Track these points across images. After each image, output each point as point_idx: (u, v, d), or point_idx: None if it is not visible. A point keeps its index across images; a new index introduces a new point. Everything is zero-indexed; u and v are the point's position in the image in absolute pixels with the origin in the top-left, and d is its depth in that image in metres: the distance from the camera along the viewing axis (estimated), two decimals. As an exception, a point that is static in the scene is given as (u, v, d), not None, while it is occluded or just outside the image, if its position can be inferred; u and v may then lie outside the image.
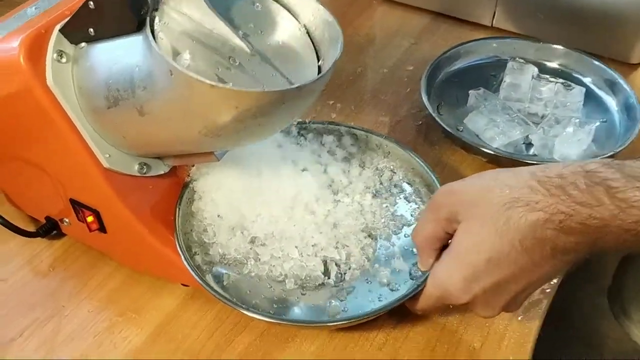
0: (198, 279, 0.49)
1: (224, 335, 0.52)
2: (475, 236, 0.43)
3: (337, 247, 0.53)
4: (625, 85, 0.71)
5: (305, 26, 0.47)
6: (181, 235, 0.52)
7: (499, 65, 0.75)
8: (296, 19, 0.47)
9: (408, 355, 0.50)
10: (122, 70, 0.43)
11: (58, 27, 0.47)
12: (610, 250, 0.41)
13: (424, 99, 0.68)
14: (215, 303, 0.52)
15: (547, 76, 0.73)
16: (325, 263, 0.52)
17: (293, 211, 0.54)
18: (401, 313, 0.51)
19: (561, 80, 0.72)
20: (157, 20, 0.42)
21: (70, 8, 0.48)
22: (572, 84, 0.72)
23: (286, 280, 0.51)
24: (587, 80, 0.75)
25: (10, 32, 0.48)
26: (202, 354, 0.50)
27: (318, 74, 0.45)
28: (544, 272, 0.43)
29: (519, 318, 0.53)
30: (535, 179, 0.42)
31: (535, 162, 0.52)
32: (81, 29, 0.45)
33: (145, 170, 0.51)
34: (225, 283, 0.51)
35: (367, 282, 0.52)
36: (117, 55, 0.44)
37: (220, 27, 0.44)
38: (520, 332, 0.52)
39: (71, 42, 0.47)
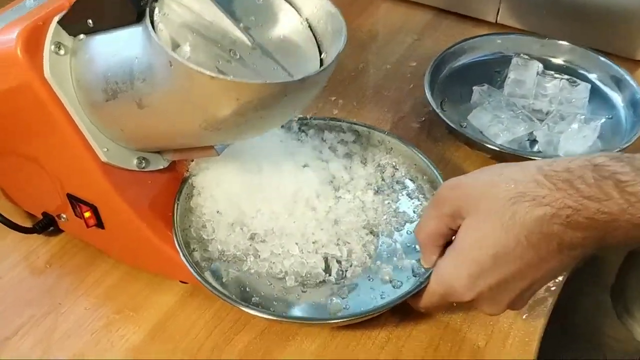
0: (197, 276, 0.48)
1: (223, 333, 0.51)
2: (480, 232, 0.42)
3: (338, 244, 0.52)
4: (631, 82, 0.70)
5: (307, 19, 0.47)
6: (179, 231, 0.51)
7: (503, 62, 0.75)
8: (298, 12, 0.46)
9: (411, 354, 0.50)
10: (121, 62, 0.43)
11: (56, 18, 0.46)
12: (618, 245, 0.40)
13: (428, 94, 0.67)
14: (214, 300, 0.52)
15: (552, 72, 0.72)
16: (326, 260, 0.52)
17: (294, 207, 0.54)
18: (404, 311, 0.51)
19: (566, 77, 0.72)
20: (156, 11, 0.41)
21: (69, 0, 0.47)
22: (578, 80, 0.72)
23: (286, 278, 0.51)
24: (592, 76, 0.74)
25: (8, 24, 0.47)
26: (200, 353, 0.50)
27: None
28: (551, 268, 0.42)
29: (524, 316, 0.52)
30: (541, 173, 0.41)
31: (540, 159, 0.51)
32: (80, 21, 0.45)
33: (144, 164, 0.51)
34: (224, 280, 0.51)
35: (369, 280, 0.51)
36: (116, 47, 0.44)
37: (221, 19, 0.43)
38: (525, 330, 0.51)
39: (69, 34, 0.46)
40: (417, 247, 0.50)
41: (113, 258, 0.56)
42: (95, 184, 0.49)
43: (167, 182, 0.53)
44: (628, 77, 0.71)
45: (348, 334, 0.51)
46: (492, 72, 0.75)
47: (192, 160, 0.54)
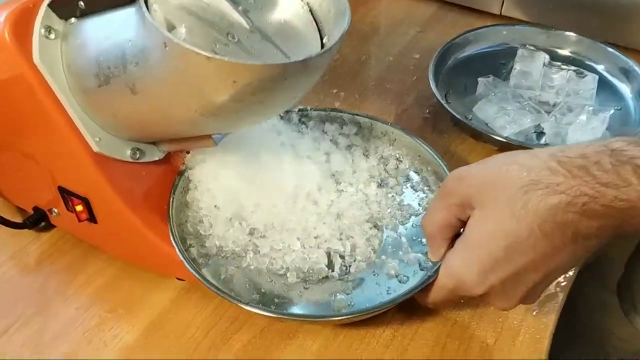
0: (194, 273, 0.46)
1: (221, 332, 0.49)
2: (490, 222, 0.41)
3: (341, 239, 0.51)
4: (640, 72, 0.69)
5: (308, 3, 0.45)
6: (175, 226, 0.49)
7: (509, 53, 0.73)
8: (298, -6, 0.45)
9: (417, 352, 0.48)
10: (114, 45, 0.41)
11: (46, 1, 0.45)
12: (636, 234, 0.38)
13: (432, 86, 0.66)
14: (212, 298, 0.50)
15: (559, 64, 0.71)
16: (328, 255, 0.50)
17: (294, 201, 0.52)
18: (409, 307, 0.49)
19: (573, 68, 0.71)
20: (150, -9, 0.39)
21: (60, -18, 0.46)
22: (585, 72, 0.70)
23: (288, 274, 0.49)
24: (600, 67, 0.73)
25: (-5, 8, 0.45)
26: (197, 353, 0.48)
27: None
28: (565, 259, 0.40)
29: (534, 313, 0.50)
30: (555, 160, 0.39)
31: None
32: (71, 3, 0.43)
33: (138, 155, 0.49)
34: (222, 277, 0.49)
35: (374, 275, 0.49)
36: (109, 30, 0.42)
37: (219, 1, 0.42)
38: (535, 327, 0.49)
39: (60, 18, 0.45)
40: (424, 240, 0.48)
41: (107, 254, 0.54)
42: (87, 175, 0.47)
43: (163, 175, 0.51)
44: (637, 68, 0.70)
45: (351, 332, 0.49)
46: (497, 63, 0.73)
47: (188, 152, 0.53)
